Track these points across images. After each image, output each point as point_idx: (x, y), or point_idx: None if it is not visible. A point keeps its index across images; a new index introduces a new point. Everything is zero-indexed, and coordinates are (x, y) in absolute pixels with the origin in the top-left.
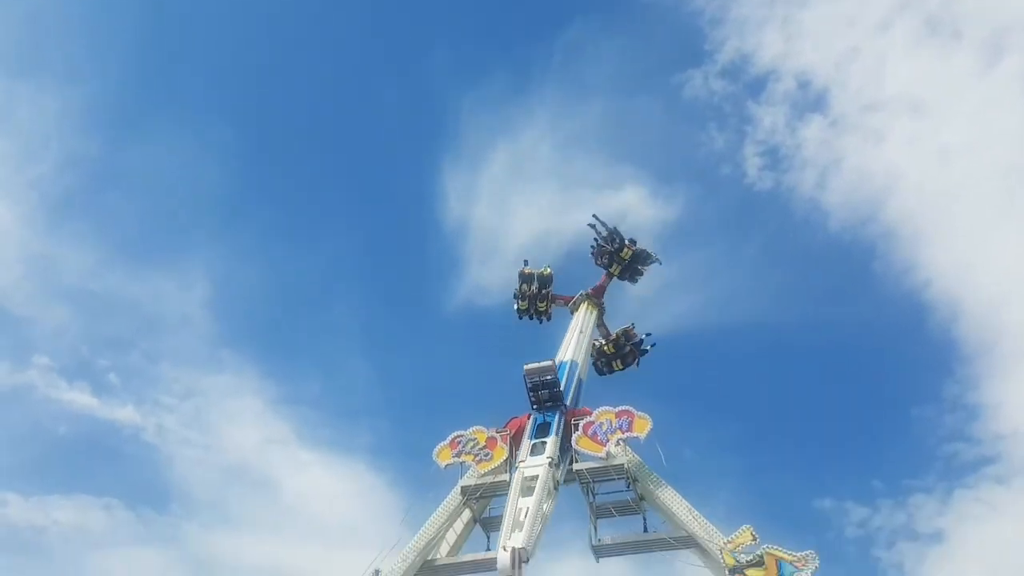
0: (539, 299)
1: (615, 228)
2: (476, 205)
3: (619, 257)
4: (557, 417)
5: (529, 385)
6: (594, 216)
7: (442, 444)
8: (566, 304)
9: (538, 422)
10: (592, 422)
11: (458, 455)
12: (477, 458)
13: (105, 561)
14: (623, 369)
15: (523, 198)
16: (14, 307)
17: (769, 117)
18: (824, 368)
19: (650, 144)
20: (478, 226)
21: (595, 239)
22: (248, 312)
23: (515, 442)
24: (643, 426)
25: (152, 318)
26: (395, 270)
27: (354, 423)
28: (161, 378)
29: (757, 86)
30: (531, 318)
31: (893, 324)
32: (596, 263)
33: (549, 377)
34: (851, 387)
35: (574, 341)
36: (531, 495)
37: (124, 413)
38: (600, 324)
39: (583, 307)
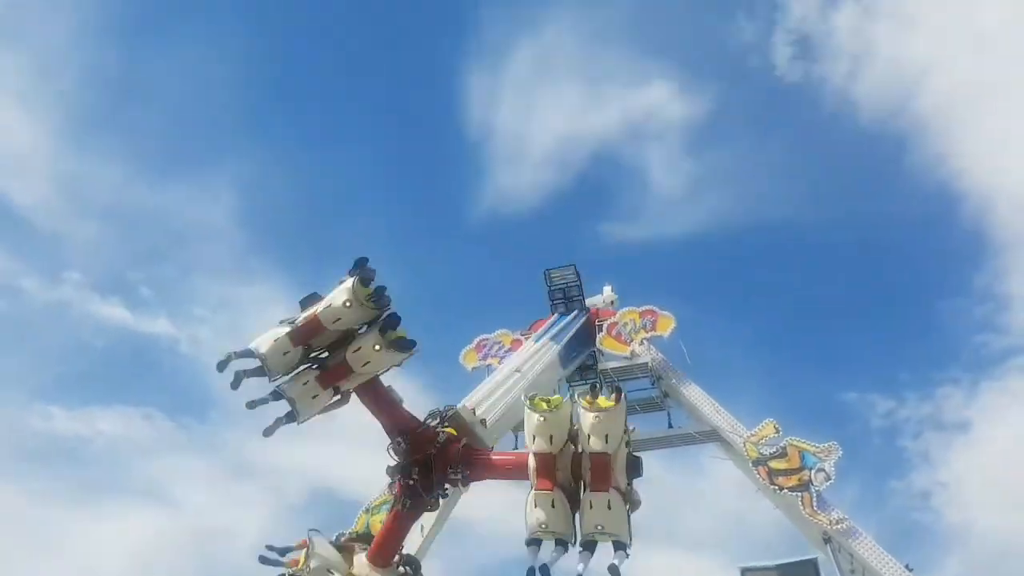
0: None
1: None
2: (499, 107)
3: None
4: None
5: (550, 288)
6: None
7: (468, 348)
8: None
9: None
10: (616, 322)
11: (484, 358)
12: (502, 361)
13: (149, 468)
14: None
15: (547, 99)
16: (45, 224)
17: (800, 4)
18: (853, 262)
19: (678, 37)
20: (501, 130)
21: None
22: (275, 221)
23: None
24: (667, 325)
25: (181, 230)
26: (420, 177)
27: None
28: (193, 290)
29: None
30: None
31: (923, 216)
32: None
33: (570, 278)
34: (879, 281)
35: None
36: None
37: (159, 325)
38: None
39: None
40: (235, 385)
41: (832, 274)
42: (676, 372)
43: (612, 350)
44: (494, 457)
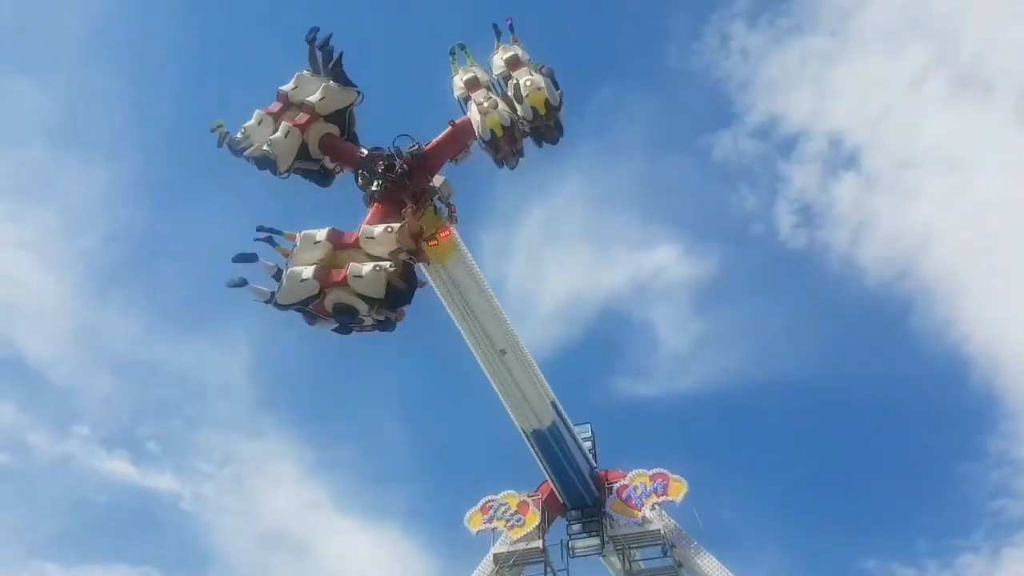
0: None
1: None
2: (510, 266)
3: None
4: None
5: None
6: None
7: (473, 510)
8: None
9: None
10: (626, 485)
11: (490, 521)
12: (509, 524)
13: None
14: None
15: (557, 258)
16: (59, 378)
17: (801, 176)
18: (865, 425)
19: (683, 203)
20: (512, 287)
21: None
22: (288, 376)
23: (548, 507)
24: (679, 490)
25: (195, 385)
26: (431, 334)
27: (390, 488)
28: (201, 445)
29: (788, 146)
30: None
31: (934, 379)
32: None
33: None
34: (893, 444)
35: (516, 376)
36: None
37: (163, 481)
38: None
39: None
40: (219, 144)
41: (846, 435)
42: (690, 540)
43: (622, 515)
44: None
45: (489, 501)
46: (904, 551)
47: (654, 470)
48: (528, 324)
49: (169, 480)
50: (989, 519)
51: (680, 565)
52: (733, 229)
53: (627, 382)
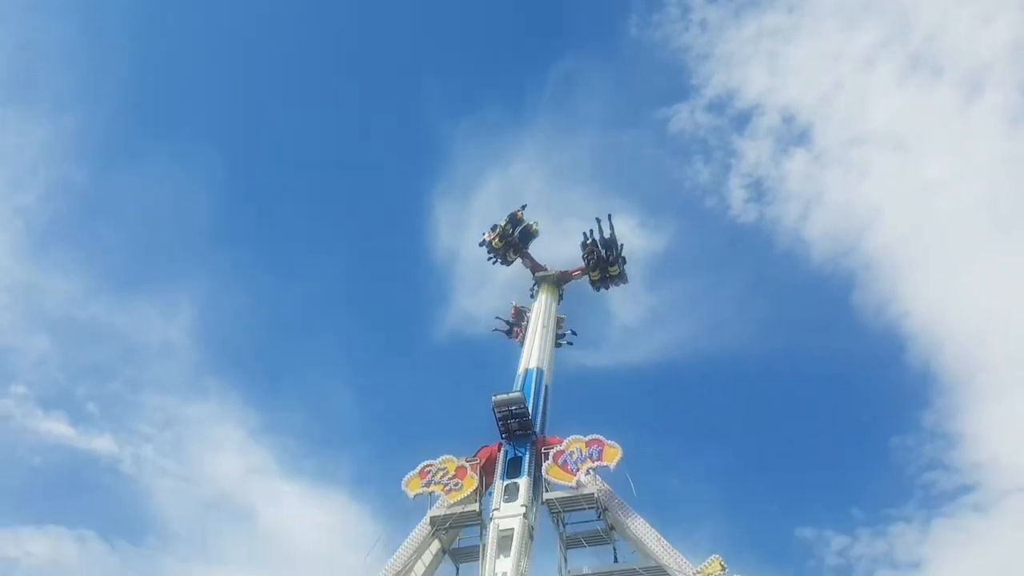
0: (512, 248)
1: (615, 238)
2: (466, 234)
3: (605, 267)
4: (528, 454)
5: (498, 416)
6: (599, 220)
7: (411, 474)
8: (531, 269)
9: (509, 456)
10: (562, 451)
11: (427, 485)
12: (446, 488)
13: None
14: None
15: None
16: None
17: (753, 151)
18: (805, 398)
19: (638, 176)
20: (468, 255)
21: (591, 234)
22: (232, 339)
23: (485, 471)
24: (613, 455)
25: (135, 346)
26: (383, 299)
27: (337, 452)
28: (142, 407)
29: (742, 120)
30: (493, 260)
31: (873, 354)
32: (582, 255)
33: (518, 408)
34: (831, 417)
35: (538, 340)
36: (508, 552)
37: (101, 443)
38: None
39: (544, 293)
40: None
41: (787, 408)
42: (622, 504)
43: (557, 479)
44: None
45: (427, 466)
46: (839, 520)
47: (590, 436)
48: (483, 293)
49: (108, 442)
50: (921, 491)
51: (612, 528)
52: (687, 202)
53: (577, 352)
